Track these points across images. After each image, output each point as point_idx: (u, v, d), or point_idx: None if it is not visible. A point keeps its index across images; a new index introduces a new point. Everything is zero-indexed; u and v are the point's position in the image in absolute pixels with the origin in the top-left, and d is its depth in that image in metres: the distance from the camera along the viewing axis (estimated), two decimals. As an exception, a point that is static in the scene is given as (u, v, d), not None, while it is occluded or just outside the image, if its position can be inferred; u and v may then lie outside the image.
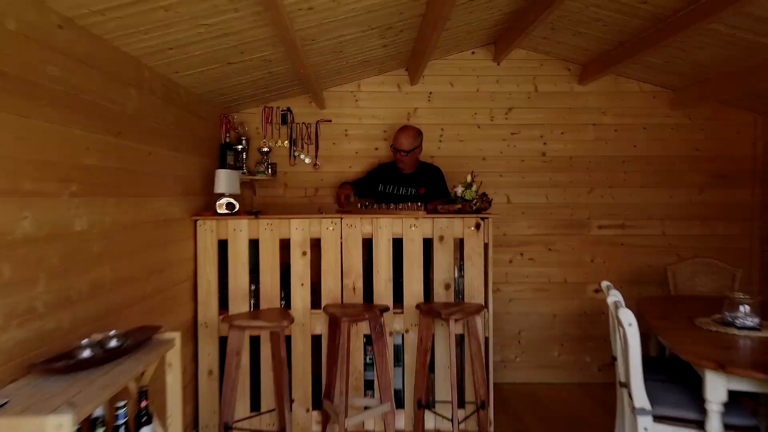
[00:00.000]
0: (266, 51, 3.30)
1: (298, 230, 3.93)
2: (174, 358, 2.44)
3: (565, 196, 5.00)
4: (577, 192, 5.00)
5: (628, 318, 2.74)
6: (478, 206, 3.92)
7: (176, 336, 2.44)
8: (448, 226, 3.95)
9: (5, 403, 1.61)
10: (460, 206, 3.99)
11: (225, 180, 4.00)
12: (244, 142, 4.75)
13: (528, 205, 5.00)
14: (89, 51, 2.41)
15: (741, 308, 3.06)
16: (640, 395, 2.75)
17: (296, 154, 4.92)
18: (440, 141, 4.99)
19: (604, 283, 3.56)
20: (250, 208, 4.88)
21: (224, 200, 3.98)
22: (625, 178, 5.00)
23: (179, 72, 3.32)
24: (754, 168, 4.99)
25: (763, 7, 3.12)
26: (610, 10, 3.70)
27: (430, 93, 4.98)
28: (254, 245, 3.95)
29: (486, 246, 3.94)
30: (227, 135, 4.61)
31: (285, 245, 3.95)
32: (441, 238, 3.96)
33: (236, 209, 4.00)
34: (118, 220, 2.71)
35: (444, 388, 3.89)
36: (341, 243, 3.94)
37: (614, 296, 3.14)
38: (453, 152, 4.98)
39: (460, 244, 4.06)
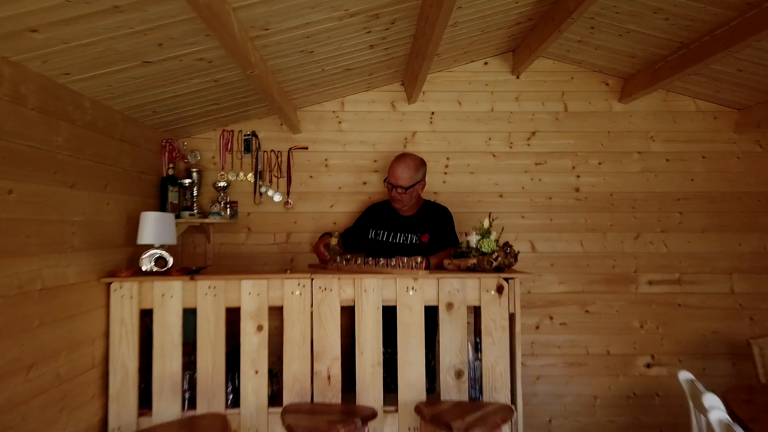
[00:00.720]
0: (197, 43, 2.28)
1: (252, 295, 2.85)
2: None
3: (605, 244, 3.93)
4: (620, 238, 3.93)
5: (711, 401, 1.64)
6: (500, 262, 2.85)
7: None
8: (460, 290, 2.86)
9: None
10: (474, 261, 2.92)
11: (154, 226, 2.93)
12: (194, 175, 3.71)
13: (558, 255, 3.93)
14: None
15: None
16: None
17: (263, 190, 3.87)
18: (445, 173, 3.94)
19: (684, 376, 2.47)
20: (202, 260, 3.80)
21: (150, 254, 2.91)
22: (681, 220, 3.94)
23: (70, 74, 2.29)
24: (844, 207, 3.93)
25: None
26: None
27: (433, 113, 3.95)
28: (192, 316, 2.86)
29: (512, 317, 2.85)
30: (171, 166, 3.56)
31: (235, 315, 2.87)
32: (449, 305, 2.87)
33: (168, 266, 2.93)
34: None
35: None
36: (312, 313, 2.86)
37: (706, 395, 2.04)
38: (461, 187, 3.93)
39: (475, 313, 2.99)
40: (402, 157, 3.28)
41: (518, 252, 2.92)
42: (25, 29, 1.87)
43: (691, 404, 2.39)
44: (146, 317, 2.90)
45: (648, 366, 3.88)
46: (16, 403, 2.10)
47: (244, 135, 3.87)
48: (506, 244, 2.93)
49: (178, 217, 3.54)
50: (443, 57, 3.61)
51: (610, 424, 3.88)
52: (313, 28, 2.49)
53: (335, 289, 2.86)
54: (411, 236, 3.33)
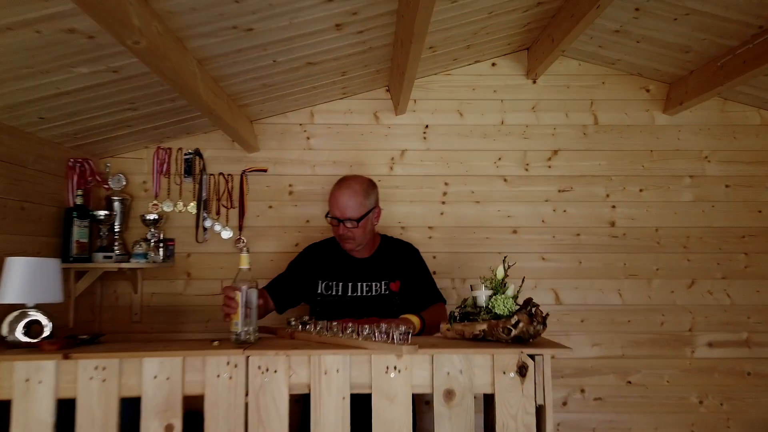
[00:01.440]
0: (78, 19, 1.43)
1: (159, 380, 1.94)
2: None
3: (651, 294, 3.04)
4: (669, 286, 3.04)
5: None
6: (521, 330, 1.96)
7: None
8: (464, 371, 1.95)
9: None
10: (485, 328, 2.03)
11: (23, 277, 2.05)
12: (116, 204, 2.85)
13: (590, 309, 3.03)
14: None
15: None
16: None
17: (208, 224, 3.00)
18: (443, 203, 3.07)
19: None
20: (127, 316, 2.92)
21: (19, 318, 2.02)
22: (748, 263, 3.05)
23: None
24: None
25: None
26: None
27: (427, 127, 3.10)
28: (69, 409, 1.95)
29: (540, 411, 1.94)
30: (79, 193, 2.70)
31: (133, 413, 1.95)
32: (449, 394, 1.95)
33: (46, 333, 2.04)
34: None
35: None
36: (246, 405, 1.95)
37: None
38: (464, 221, 3.06)
39: (486, 404, 2.08)
40: (343, 181, 2.39)
41: (547, 315, 2.02)
42: None
43: None
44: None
45: (712, 456, 2.95)
46: None
47: (185, 154, 3.01)
48: (529, 302, 2.04)
49: (87, 260, 2.67)
50: (439, 53, 2.78)
51: None
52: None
53: (282, 371, 1.95)
54: (375, 285, 2.42)
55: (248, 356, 1.95)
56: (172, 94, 2.30)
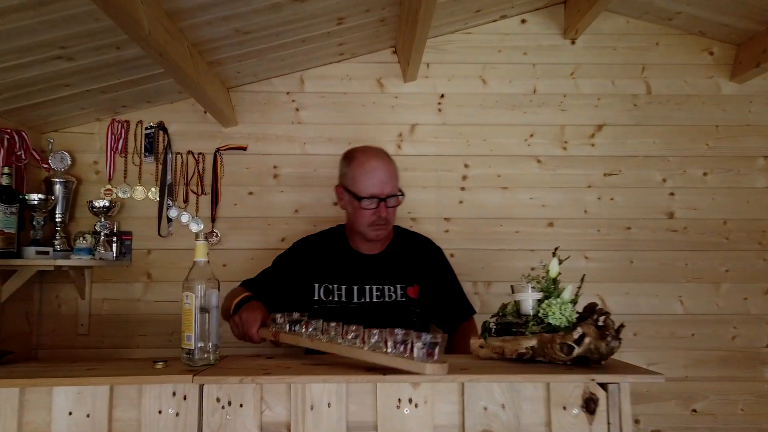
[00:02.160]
0: None
1: (75, 418, 1.37)
2: None
3: (719, 301, 2.47)
4: (742, 292, 2.48)
5: None
6: (587, 346, 1.39)
7: None
8: (507, 405, 1.38)
9: None
10: (534, 344, 1.46)
11: None
12: (58, 187, 2.30)
13: (643, 319, 2.47)
14: None
15: None
16: None
17: (173, 214, 2.44)
18: (462, 189, 2.52)
19: None
20: (73, 326, 2.35)
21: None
22: (838, 262, 2.49)
23: None
24: None
25: None
26: None
27: (442, 96, 2.55)
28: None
29: (613, 461, 1.37)
30: (7, 170, 2.13)
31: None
32: (484, 437, 1.38)
33: None
34: None
35: None
36: (199, 452, 1.37)
37: None
38: (488, 211, 2.50)
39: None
40: (369, 149, 1.99)
41: (622, 326, 1.45)
42: None
43: None
44: None
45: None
46: None
47: (146, 128, 2.46)
48: (594, 309, 1.48)
49: (16, 255, 2.11)
50: (459, 6, 2.22)
51: None
52: None
53: (250, 405, 1.38)
54: (389, 289, 1.95)
55: (202, 384, 1.37)
56: (115, 35, 1.74)
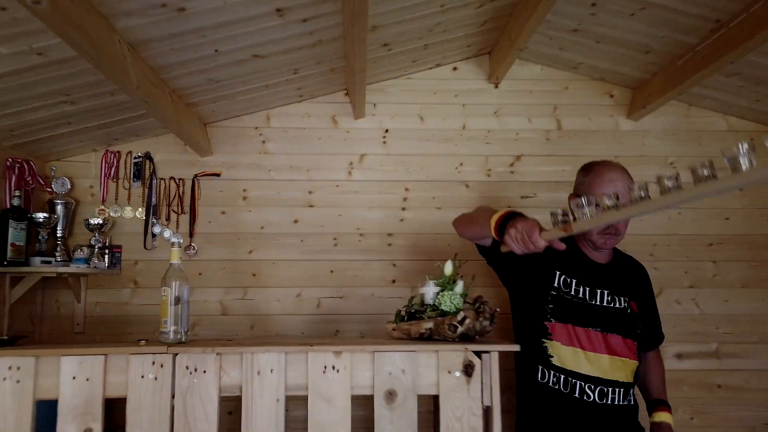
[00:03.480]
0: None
1: (78, 381, 1.79)
2: None
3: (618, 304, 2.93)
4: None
5: None
6: (468, 326, 1.84)
7: None
8: (407, 370, 1.83)
9: None
10: (431, 326, 1.91)
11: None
12: (59, 207, 2.73)
13: (554, 318, 2.92)
14: None
15: None
16: None
17: (157, 230, 2.88)
18: (403, 209, 2.98)
19: None
20: (69, 326, 2.76)
21: None
22: (716, 271, 2.97)
23: None
24: None
25: None
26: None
27: (387, 131, 3.02)
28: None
29: (488, 412, 1.81)
30: (18, 194, 2.57)
31: (50, 414, 1.80)
32: (390, 395, 1.83)
33: (-43, 333, 1.89)
34: None
35: None
36: (173, 408, 1.80)
37: None
38: (425, 227, 2.96)
39: (435, 405, 1.94)
40: (610, 163, 2.06)
41: (496, 311, 1.90)
42: None
43: None
44: None
45: (683, 473, 2.81)
46: None
47: (135, 158, 2.91)
48: (479, 300, 1.93)
49: (23, 263, 2.53)
50: (396, 51, 2.71)
51: None
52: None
53: (211, 371, 1.82)
54: (618, 298, 2.03)
55: (175, 354, 1.81)
56: (111, 86, 2.20)
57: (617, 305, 2.01)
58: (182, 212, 2.91)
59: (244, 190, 2.95)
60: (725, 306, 2.94)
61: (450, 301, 1.90)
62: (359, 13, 1.82)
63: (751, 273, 2.97)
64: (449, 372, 1.82)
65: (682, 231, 2.98)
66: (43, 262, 2.58)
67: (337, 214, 2.95)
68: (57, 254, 2.70)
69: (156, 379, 1.81)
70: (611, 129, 3.06)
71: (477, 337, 1.87)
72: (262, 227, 2.94)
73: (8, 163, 2.57)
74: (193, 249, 2.88)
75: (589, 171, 2.02)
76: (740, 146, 1.15)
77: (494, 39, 2.88)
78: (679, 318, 2.92)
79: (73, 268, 2.61)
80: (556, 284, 2.02)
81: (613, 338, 1.96)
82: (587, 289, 2.01)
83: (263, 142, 2.99)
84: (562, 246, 1.68)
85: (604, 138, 3.05)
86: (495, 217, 1.81)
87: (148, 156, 2.91)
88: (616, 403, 1.94)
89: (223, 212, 2.93)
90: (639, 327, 2.02)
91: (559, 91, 3.07)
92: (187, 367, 1.81)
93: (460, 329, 1.84)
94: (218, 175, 2.95)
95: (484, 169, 3.01)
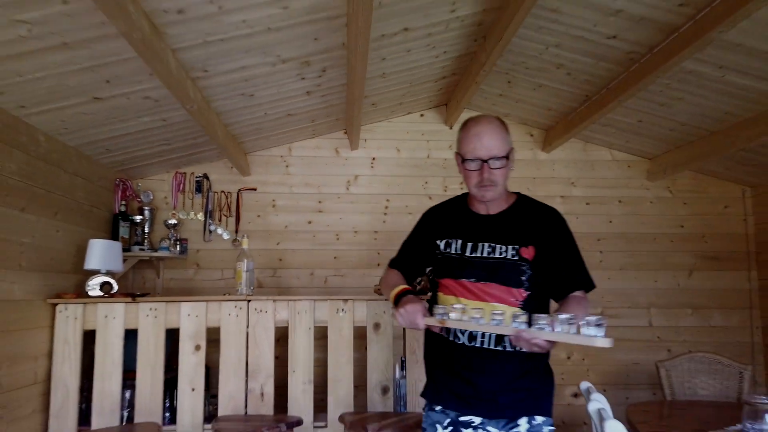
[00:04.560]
0: (142, 82, 2.58)
1: (191, 317, 3.04)
2: None
3: (500, 253, 4.22)
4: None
5: (615, 429, 1.88)
6: (423, 286, 3.11)
7: None
8: (387, 311, 3.10)
9: None
10: (400, 287, 3.17)
11: (100, 253, 3.14)
12: (146, 212, 3.94)
13: (489, 291, 4.20)
14: None
15: (767, 416, 2.25)
16: None
17: (212, 228, 4.10)
18: (385, 214, 4.24)
19: (584, 385, 2.73)
20: (144, 291, 3.98)
21: (97, 279, 3.10)
22: (602, 258, 4.27)
23: (26, 107, 2.56)
24: (747, 249, 4.31)
25: (760, 33, 2.53)
26: (573, 51, 3.11)
27: (374, 159, 4.29)
28: (133, 338, 3.03)
29: (433, 337, 3.08)
30: (123, 203, 3.80)
31: (175, 337, 3.05)
32: (377, 326, 3.10)
33: (113, 291, 3.12)
34: None
35: None
36: (247, 333, 3.05)
37: (597, 402, 2.29)
38: (400, 227, 4.22)
39: (403, 335, 3.21)
40: (479, 118, 1.98)
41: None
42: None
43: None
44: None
45: (575, 396, 4.10)
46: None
47: (196, 177, 4.13)
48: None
49: (127, 250, 3.74)
50: (380, 107, 3.97)
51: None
52: (250, 72, 2.82)
53: (270, 311, 3.07)
54: (501, 248, 1.94)
55: (248, 301, 3.07)
56: (197, 135, 3.43)
57: (498, 255, 1.93)
58: (230, 215, 4.14)
59: (273, 200, 4.19)
60: (608, 282, 4.24)
61: (412, 271, 3.16)
62: (358, 95, 3.08)
63: (627, 260, 4.27)
64: (410, 312, 3.10)
65: (580, 230, 4.25)
66: (140, 249, 3.81)
67: (339, 218, 4.19)
68: (145, 244, 3.91)
69: (237, 316, 3.05)
70: (531, 158, 4.35)
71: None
72: (285, 226, 4.18)
73: (117, 183, 3.79)
74: (238, 242, 4.12)
75: (462, 127, 1.99)
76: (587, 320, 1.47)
77: (448, 97, 4.16)
78: (575, 290, 4.22)
79: (159, 254, 3.84)
80: (439, 251, 2.05)
81: (490, 287, 1.90)
82: (468, 244, 1.98)
83: (286, 166, 4.23)
84: (437, 329, 1.85)
85: (527, 164, 4.33)
86: (392, 294, 2.00)
87: (205, 176, 4.14)
88: (485, 346, 1.87)
89: (258, 215, 4.17)
90: (525, 273, 1.91)
91: (495, 131, 4.34)
92: (255, 309, 3.06)
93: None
94: (255, 189, 4.18)
95: (442, 186, 4.28)
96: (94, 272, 3.14)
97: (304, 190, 4.21)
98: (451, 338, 1.92)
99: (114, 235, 3.70)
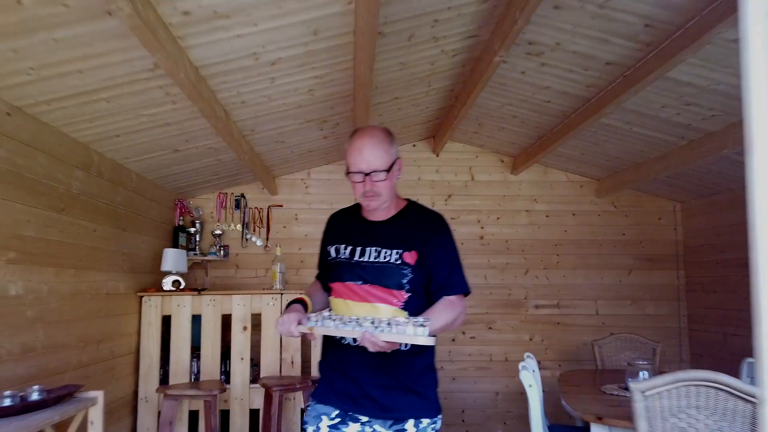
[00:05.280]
0: (210, 140, 3.66)
1: (240, 306, 4.14)
2: (96, 415, 2.59)
3: (503, 277, 5.29)
4: (513, 273, 5.30)
5: (527, 380, 2.96)
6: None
7: (99, 395, 2.61)
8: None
9: None
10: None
11: (172, 259, 4.25)
12: (197, 225, 5.05)
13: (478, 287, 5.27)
14: (36, 135, 2.74)
15: (641, 374, 3.30)
16: (541, 451, 2.92)
17: (248, 236, 5.20)
18: (384, 225, 5.32)
19: (526, 354, 3.79)
20: (200, 286, 5.09)
21: (170, 278, 4.21)
22: (559, 260, 5.33)
23: (128, 158, 3.66)
24: (677, 252, 5.35)
25: (645, 105, 3.58)
26: (522, 108, 4.17)
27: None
28: (197, 321, 4.13)
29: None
30: (181, 218, 4.91)
31: (228, 321, 4.15)
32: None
33: (182, 286, 4.23)
34: (56, 289, 2.94)
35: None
36: (280, 318, 4.14)
37: (527, 365, 3.37)
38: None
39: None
40: (364, 131, 2.08)
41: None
42: (113, 135, 3.25)
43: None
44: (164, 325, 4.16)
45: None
46: (89, 365, 3.35)
47: (235, 196, 5.23)
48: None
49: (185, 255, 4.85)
50: (380, 141, 5.05)
51: (508, 413, 5.14)
52: (283, 130, 3.92)
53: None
54: (386, 252, 2.03)
55: (282, 294, 4.16)
56: (239, 168, 4.52)
57: (383, 259, 2.01)
58: (262, 226, 5.24)
59: (296, 214, 5.29)
60: (563, 279, 5.30)
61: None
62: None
63: (579, 262, 5.33)
64: (401, 302, 4.19)
65: (540, 237, 5.34)
66: (194, 254, 4.91)
67: None
68: (197, 250, 5.02)
69: (273, 305, 4.15)
70: (502, 180, 5.41)
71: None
72: (305, 235, 5.27)
73: (176, 202, 4.90)
74: (269, 247, 5.21)
75: (349, 138, 2.06)
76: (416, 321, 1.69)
77: (434, 131, 5.23)
78: (537, 286, 5.29)
79: (208, 257, 4.95)
80: (330, 257, 2.13)
81: (374, 288, 1.98)
82: (357, 249, 2.05)
83: (306, 187, 5.32)
84: (313, 337, 1.90)
85: (498, 185, 5.40)
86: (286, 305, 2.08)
87: (243, 195, 5.23)
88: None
89: (284, 226, 5.27)
90: (406, 276, 1.97)
91: (472, 158, 5.42)
92: (286, 300, 4.16)
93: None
94: (281, 206, 5.27)
95: (430, 202, 5.35)
96: (167, 273, 4.25)
97: (321, 206, 5.29)
98: (338, 338, 1.95)
99: (175, 243, 4.81)
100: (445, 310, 1.92)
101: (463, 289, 2.02)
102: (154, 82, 2.70)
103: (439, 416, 1.99)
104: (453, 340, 5.22)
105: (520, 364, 3.34)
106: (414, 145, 5.43)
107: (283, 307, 4.13)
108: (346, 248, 2.08)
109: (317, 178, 5.34)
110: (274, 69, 2.96)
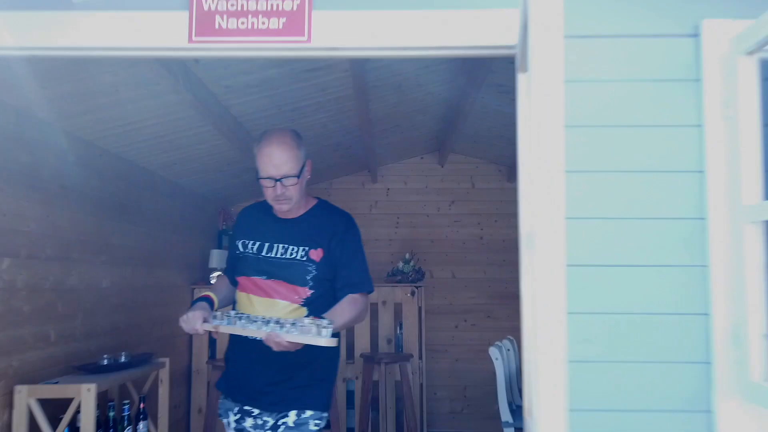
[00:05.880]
0: (247, 163, 4.56)
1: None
2: (164, 375, 3.51)
3: (501, 272, 6.05)
4: (510, 268, 6.04)
5: (494, 354, 3.77)
6: (413, 278, 5.02)
7: (166, 360, 3.53)
8: (390, 293, 5.03)
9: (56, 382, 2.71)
10: (399, 278, 5.09)
11: (217, 257, 5.18)
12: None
13: (469, 279, 6.06)
14: (119, 168, 3.67)
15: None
16: (504, 411, 3.73)
17: (280, 238, 6.08)
18: (396, 227, 6.15)
19: (508, 336, 4.59)
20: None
21: (215, 273, 5.14)
22: (504, 257, 6.06)
23: (183, 177, 4.59)
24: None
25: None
26: (507, 130, 4.94)
27: (388, 189, 6.20)
28: (238, 308, 5.04)
29: (420, 309, 5.00)
30: (224, 223, 5.84)
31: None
32: (384, 302, 5.03)
33: (225, 280, 5.15)
34: (132, 283, 3.87)
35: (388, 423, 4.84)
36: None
37: (501, 344, 4.17)
38: (407, 236, 6.13)
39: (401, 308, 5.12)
40: (272, 136, 2.10)
41: (425, 273, 5.09)
42: (172, 163, 4.16)
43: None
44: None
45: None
46: (156, 341, 4.27)
47: (269, 203, 6.14)
48: (418, 268, 5.10)
49: (227, 254, 5.78)
50: (393, 154, 5.89)
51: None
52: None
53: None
54: (293, 249, 2.10)
55: (306, 287, 5.04)
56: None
57: (289, 255, 2.05)
58: (291, 230, 6.12)
59: (320, 219, 6.16)
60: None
61: (407, 269, 5.07)
62: (373, 161, 5.01)
63: (567, 258, 6.05)
64: (406, 294, 5.02)
65: (488, 236, 6.09)
66: (235, 253, 5.84)
67: (364, 230, 5.99)
68: (237, 250, 5.94)
69: (299, 296, 5.04)
70: (499, 187, 6.17)
71: (416, 281, 5.04)
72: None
73: (219, 210, 5.83)
74: (297, 247, 6.10)
75: (258, 143, 2.08)
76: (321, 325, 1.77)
77: (439, 145, 6.03)
78: (482, 280, 6.03)
79: (247, 256, 5.86)
80: (238, 252, 2.19)
81: (278, 284, 2.02)
82: (265, 244, 2.09)
83: (328, 195, 6.12)
84: (217, 335, 2.04)
85: (496, 192, 6.16)
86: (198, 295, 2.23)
87: (275, 203, 6.13)
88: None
89: (310, 229, 6.14)
90: (310, 273, 2.03)
91: (473, 168, 6.19)
92: (310, 292, 5.04)
93: (410, 279, 5.01)
94: (308, 211, 6.15)
95: (436, 208, 6.16)
96: (213, 269, 5.17)
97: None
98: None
99: (219, 244, 5.74)
100: (349, 307, 2.02)
101: (367, 287, 2.14)
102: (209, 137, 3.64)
103: (325, 414, 2.06)
104: (456, 326, 6.03)
105: (495, 343, 4.14)
106: (422, 158, 6.24)
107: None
108: (254, 244, 2.14)
109: (338, 187, 6.19)
110: (295, 114, 3.84)
